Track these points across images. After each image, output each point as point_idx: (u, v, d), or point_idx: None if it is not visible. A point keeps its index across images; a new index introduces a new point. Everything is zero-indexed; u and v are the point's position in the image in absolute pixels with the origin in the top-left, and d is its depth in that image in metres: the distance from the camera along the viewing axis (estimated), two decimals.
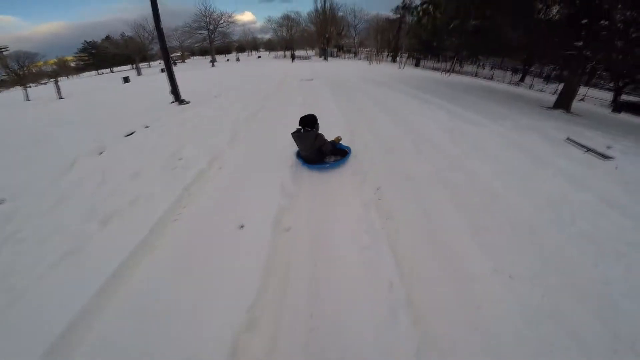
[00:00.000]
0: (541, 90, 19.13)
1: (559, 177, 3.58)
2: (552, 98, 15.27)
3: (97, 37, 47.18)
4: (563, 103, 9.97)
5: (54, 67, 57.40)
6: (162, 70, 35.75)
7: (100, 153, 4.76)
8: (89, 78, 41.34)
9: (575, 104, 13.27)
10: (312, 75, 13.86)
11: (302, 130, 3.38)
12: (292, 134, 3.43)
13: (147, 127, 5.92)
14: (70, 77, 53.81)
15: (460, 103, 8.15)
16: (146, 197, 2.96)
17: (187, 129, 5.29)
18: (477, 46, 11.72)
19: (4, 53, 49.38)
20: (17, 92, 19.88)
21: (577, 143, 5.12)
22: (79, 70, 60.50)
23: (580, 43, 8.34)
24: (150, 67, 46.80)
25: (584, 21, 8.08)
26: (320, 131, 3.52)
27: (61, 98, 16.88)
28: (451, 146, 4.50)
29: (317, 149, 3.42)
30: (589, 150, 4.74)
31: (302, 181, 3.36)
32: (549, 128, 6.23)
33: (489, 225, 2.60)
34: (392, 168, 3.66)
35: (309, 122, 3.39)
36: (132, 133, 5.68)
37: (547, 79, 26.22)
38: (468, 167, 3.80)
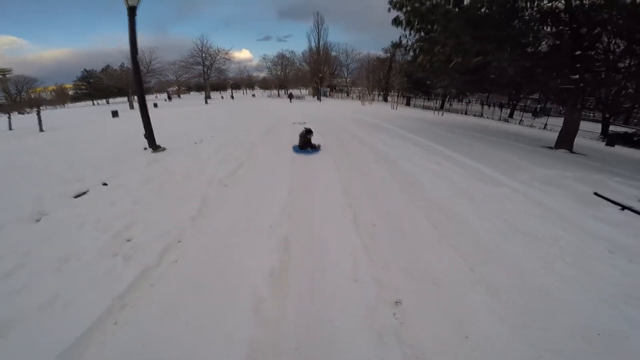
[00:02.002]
0: (531, 126, 19.32)
1: (617, 253, 2.98)
2: (546, 134, 15.44)
3: (100, 66, 47.28)
4: (565, 142, 9.56)
5: (52, 94, 57.38)
6: (155, 105, 35.66)
7: (38, 220, 3.77)
8: (82, 108, 41.12)
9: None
10: (304, 118, 13.42)
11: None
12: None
13: (105, 184, 4.93)
14: (66, 105, 53.70)
15: (465, 150, 7.50)
16: (63, 302, 2.16)
17: (149, 192, 4.31)
18: (475, 83, 11.54)
19: (7, 76, 49.31)
20: (2, 119, 18.92)
21: (607, 199, 4.53)
22: (75, 99, 60.43)
23: (577, 76, 8.06)
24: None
25: (577, 52, 7.88)
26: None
27: (42, 131, 16.07)
28: (477, 221, 3.61)
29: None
30: (624, 208, 4.17)
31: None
32: (568, 180, 5.57)
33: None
34: (409, 267, 2.69)
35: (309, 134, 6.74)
36: (84, 193, 4.67)
37: (535, 114, 26.89)
38: (508, 256, 2.90)
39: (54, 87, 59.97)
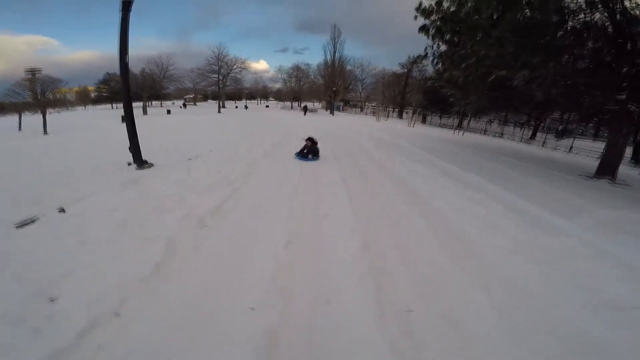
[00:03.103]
0: (555, 148, 17.88)
1: None
2: (577, 159, 14.01)
3: None
4: (607, 170, 8.22)
5: (75, 96, 59.42)
6: (168, 112, 35.74)
7: None
8: (100, 111, 41.65)
9: (594, 163, 11.71)
10: (316, 133, 12.39)
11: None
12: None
13: (63, 211, 3.97)
14: (86, 107, 55.26)
15: (504, 182, 6.25)
16: None
17: (107, 227, 3.29)
18: (504, 101, 10.34)
19: (36, 75, 51.05)
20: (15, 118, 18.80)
21: None
22: (96, 101, 62.04)
23: (623, 96, 6.82)
24: (162, 106, 47.48)
25: (624, 69, 6.69)
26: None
27: (46, 133, 15.82)
28: (550, 294, 2.48)
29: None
30: None
31: None
32: (629, 223, 4.35)
33: None
34: None
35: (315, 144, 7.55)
36: (32, 221, 3.71)
37: (560, 135, 25.10)
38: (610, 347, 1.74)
39: (78, 89, 62.07)
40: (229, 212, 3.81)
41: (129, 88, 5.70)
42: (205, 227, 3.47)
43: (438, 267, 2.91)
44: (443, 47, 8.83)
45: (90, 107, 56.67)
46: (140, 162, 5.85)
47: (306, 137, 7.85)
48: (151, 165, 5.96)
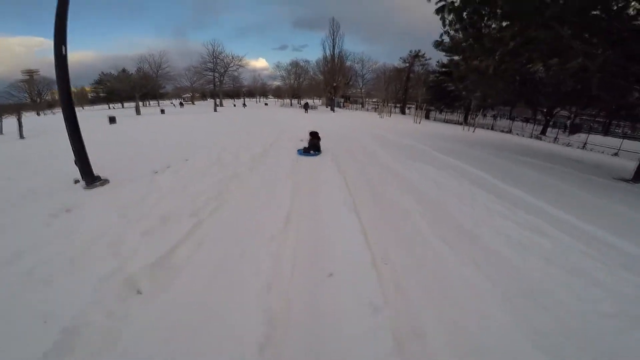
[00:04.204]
0: (568, 144, 16.86)
1: None
2: (599, 157, 12.70)
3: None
4: None
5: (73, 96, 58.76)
6: (162, 112, 34.34)
7: None
8: (94, 112, 40.28)
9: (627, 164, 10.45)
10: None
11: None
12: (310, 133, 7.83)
13: None
14: (83, 108, 54.50)
15: (549, 195, 4.96)
16: None
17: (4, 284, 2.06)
18: (530, 94, 9.01)
19: (34, 76, 50.17)
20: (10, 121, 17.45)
21: None
22: (93, 102, 61.00)
23: None
24: (159, 106, 46.12)
25: None
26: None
27: (22, 137, 14.70)
28: None
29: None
30: None
31: None
32: None
33: None
34: None
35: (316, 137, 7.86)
36: None
37: (573, 130, 23.68)
38: None
39: (75, 90, 61.31)
40: (180, 266, 2.53)
41: (68, 84, 4.39)
42: (139, 295, 2.21)
43: (491, 329, 1.66)
44: (458, 35, 7.52)
45: (87, 108, 55.67)
46: (90, 178, 4.58)
47: (309, 132, 8.23)
48: (105, 181, 4.70)
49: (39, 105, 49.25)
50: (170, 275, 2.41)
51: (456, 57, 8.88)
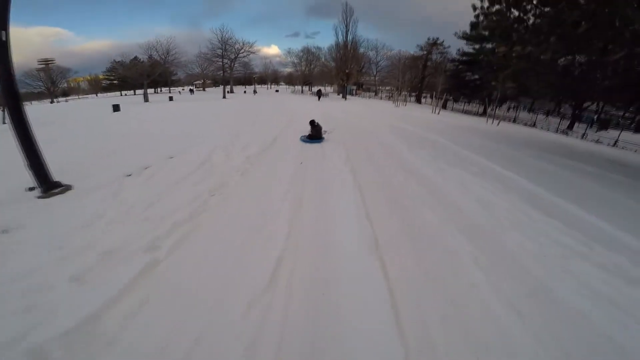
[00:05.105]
0: (598, 141, 15.25)
1: None
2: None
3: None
4: None
5: (86, 84, 60.76)
6: (170, 99, 33.66)
7: None
8: (103, 99, 40.14)
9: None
10: (327, 123, 10.00)
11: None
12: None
13: None
14: (97, 95, 55.44)
15: (622, 219, 3.84)
16: None
17: None
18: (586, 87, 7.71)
19: (49, 65, 51.00)
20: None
21: None
22: (106, 89, 61.80)
23: None
24: (170, 93, 45.73)
25: None
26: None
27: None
28: None
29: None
30: None
31: None
32: None
33: None
34: None
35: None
36: None
37: (604, 126, 21.56)
38: None
39: (89, 77, 62.34)
40: (106, 344, 1.62)
41: (12, 79, 3.48)
42: None
43: None
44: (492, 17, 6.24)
45: (101, 95, 56.42)
46: (48, 185, 3.74)
47: (309, 121, 8.09)
48: (66, 188, 3.85)
49: (54, 93, 49.88)
50: (90, 351, 1.51)
51: (488, 45, 7.56)
